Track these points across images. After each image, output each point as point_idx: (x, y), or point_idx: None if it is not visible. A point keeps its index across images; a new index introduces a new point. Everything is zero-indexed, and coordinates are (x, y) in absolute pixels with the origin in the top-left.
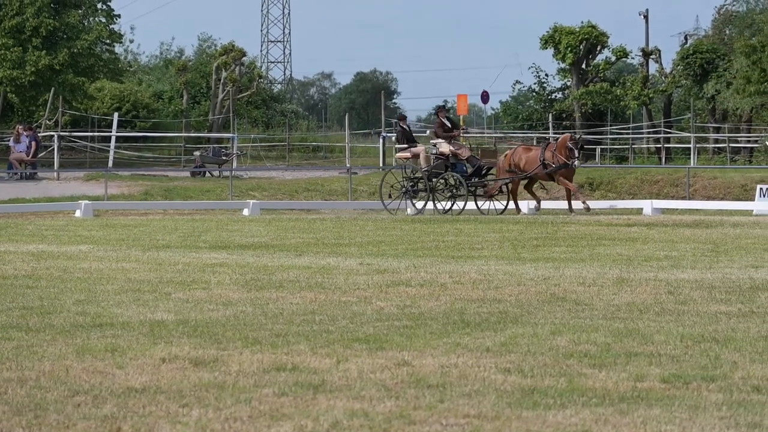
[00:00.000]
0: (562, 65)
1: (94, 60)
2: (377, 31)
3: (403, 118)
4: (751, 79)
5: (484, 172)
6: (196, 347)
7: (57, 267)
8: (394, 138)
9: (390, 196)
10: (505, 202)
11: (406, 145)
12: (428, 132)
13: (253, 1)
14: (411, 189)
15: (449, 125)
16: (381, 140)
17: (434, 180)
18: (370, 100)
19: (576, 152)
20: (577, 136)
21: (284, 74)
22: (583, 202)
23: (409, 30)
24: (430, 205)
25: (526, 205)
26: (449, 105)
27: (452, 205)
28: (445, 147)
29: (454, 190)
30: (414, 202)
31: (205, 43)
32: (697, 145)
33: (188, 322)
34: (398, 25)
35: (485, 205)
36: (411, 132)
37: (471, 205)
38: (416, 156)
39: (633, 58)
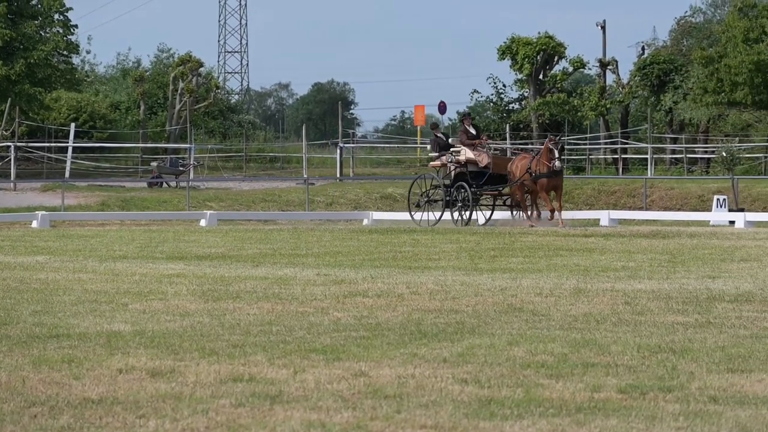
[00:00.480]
0: (520, 76)
1: (50, 70)
2: (335, 42)
3: (435, 126)
4: (708, 89)
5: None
6: (153, 358)
7: (14, 278)
8: (428, 147)
9: (418, 205)
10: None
11: (437, 154)
12: (450, 140)
13: (210, 11)
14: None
15: (473, 132)
16: (338, 151)
17: (452, 189)
18: (327, 111)
19: (556, 153)
20: (557, 138)
21: (241, 85)
22: (539, 217)
23: (367, 40)
24: (447, 215)
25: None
26: (408, 114)
27: (491, 214)
28: (463, 155)
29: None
30: (474, 211)
31: (163, 54)
32: (654, 156)
33: (145, 333)
34: (355, 36)
35: (517, 214)
36: (447, 140)
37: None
38: (445, 165)
39: (590, 68)
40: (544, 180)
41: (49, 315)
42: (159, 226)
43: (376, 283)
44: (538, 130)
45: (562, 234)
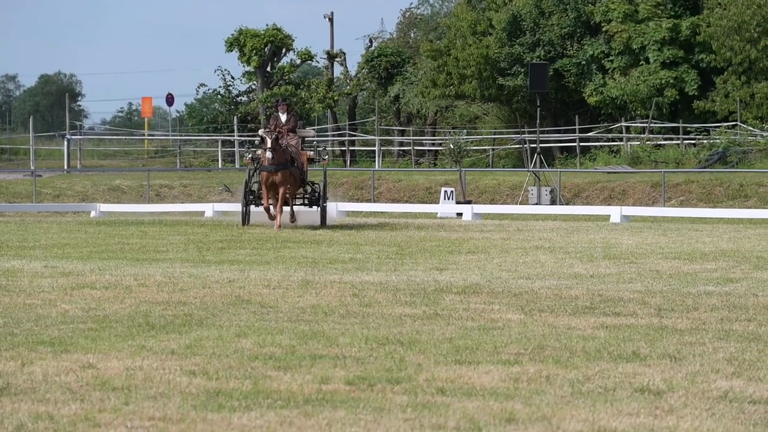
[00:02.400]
0: (248, 68)
1: None
2: (61, 34)
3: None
4: (436, 82)
5: None
6: None
7: None
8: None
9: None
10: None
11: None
12: (260, 131)
13: None
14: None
15: (282, 121)
16: (66, 143)
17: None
18: (54, 103)
19: (268, 142)
20: (272, 126)
21: None
22: (278, 225)
23: (93, 32)
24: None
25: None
26: (136, 107)
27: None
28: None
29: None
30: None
31: None
32: (382, 148)
33: None
34: (82, 27)
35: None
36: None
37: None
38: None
39: (318, 61)
40: (263, 173)
41: None
42: None
43: (104, 275)
44: (267, 122)
45: (289, 226)
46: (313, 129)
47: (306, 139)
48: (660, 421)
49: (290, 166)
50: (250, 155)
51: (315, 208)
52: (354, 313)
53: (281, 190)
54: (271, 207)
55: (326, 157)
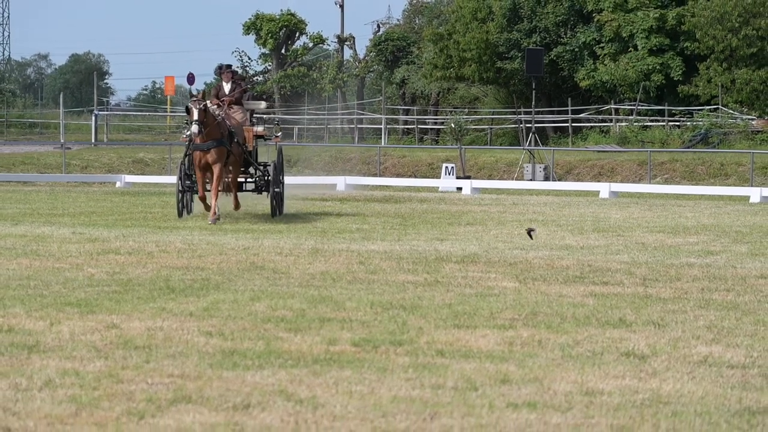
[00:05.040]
0: (264, 50)
1: None
2: (91, 15)
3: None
4: (438, 64)
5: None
6: None
7: None
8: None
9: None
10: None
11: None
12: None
13: None
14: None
15: (225, 91)
16: (94, 118)
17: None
18: (83, 80)
19: (194, 113)
20: (200, 93)
21: (3, 55)
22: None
23: (120, 13)
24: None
25: None
26: (159, 85)
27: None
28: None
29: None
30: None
31: None
32: (388, 126)
33: None
34: (110, 8)
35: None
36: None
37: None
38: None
39: (329, 44)
40: (195, 153)
41: None
42: None
43: (128, 241)
44: (281, 101)
45: (300, 198)
46: (265, 102)
47: (255, 113)
48: (644, 384)
49: (227, 143)
50: (188, 132)
51: (265, 194)
52: (360, 279)
53: (216, 170)
54: (207, 195)
55: (279, 133)
